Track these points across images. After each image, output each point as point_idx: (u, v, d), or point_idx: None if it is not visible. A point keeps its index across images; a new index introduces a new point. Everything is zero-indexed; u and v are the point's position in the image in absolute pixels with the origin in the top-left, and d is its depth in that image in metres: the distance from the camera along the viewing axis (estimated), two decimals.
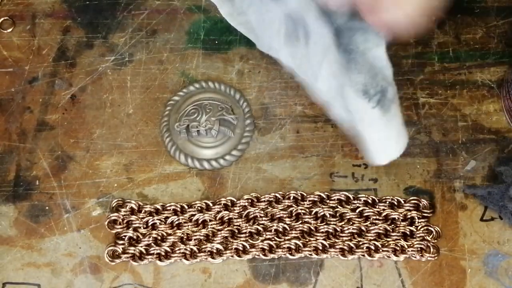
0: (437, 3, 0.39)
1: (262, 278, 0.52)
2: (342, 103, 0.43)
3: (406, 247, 0.52)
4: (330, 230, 0.53)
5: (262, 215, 0.54)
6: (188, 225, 0.54)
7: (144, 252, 0.53)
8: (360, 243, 0.53)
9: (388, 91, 0.41)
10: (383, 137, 0.44)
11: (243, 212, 0.54)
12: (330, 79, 0.42)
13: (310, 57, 0.42)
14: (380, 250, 0.52)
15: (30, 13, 0.61)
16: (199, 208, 0.54)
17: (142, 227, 0.54)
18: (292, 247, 0.53)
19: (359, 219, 0.53)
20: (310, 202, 0.54)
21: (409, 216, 0.53)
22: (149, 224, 0.54)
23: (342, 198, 0.54)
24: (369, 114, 0.42)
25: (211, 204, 0.54)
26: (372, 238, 0.53)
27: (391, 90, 0.41)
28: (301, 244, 0.53)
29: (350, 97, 0.42)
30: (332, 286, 0.52)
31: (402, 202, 0.54)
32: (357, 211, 0.54)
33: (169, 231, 0.54)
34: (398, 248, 0.53)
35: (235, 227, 0.54)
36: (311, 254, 0.53)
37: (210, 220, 0.54)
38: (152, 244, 0.53)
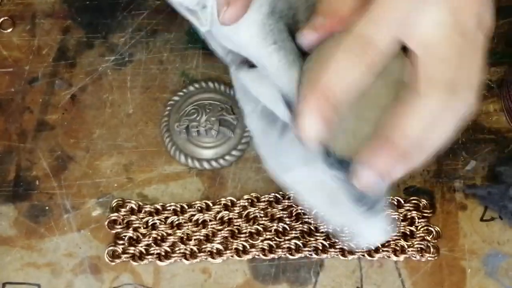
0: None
1: (262, 278, 0.52)
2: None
3: (406, 247, 0.52)
4: (330, 230, 0.53)
5: (262, 215, 0.54)
6: (188, 225, 0.54)
7: (144, 252, 0.53)
8: None
9: (379, 203, 0.41)
10: (365, 230, 0.44)
11: (243, 212, 0.54)
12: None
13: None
14: (380, 250, 0.52)
15: (30, 13, 0.61)
16: (199, 208, 0.54)
17: (142, 227, 0.54)
18: (292, 247, 0.53)
19: None
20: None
21: (409, 216, 0.53)
22: (149, 224, 0.54)
23: None
24: (356, 215, 0.42)
25: (211, 204, 0.54)
26: None
27: (382, 202, 0.41)
28: (301, 244, 0.53)
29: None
30: (332, 286, 0.52)
31: (402, 202, 0.54)
32: None
33: (169, 231, 0.54)
34: (398, 248, 0.53)
35: (235, 227, 0.54)
36: (311, 254, 0.53)
37: (210, 220, 0.54)
38: (152, 244, 0.53)
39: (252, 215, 0.54)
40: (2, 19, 0.61)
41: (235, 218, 0.54)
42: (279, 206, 0.54)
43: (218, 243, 0.53)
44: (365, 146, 0.34)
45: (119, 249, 0.53)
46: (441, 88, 0.33)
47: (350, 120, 0.35)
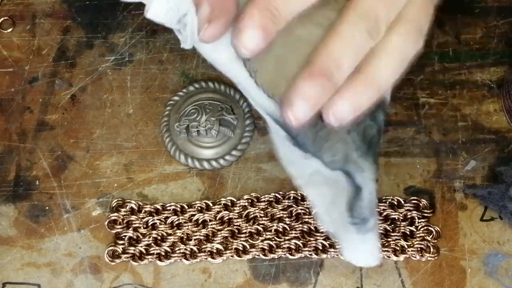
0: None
1: (262, 278, 0.52)
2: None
3: (406, 247, 0.52)
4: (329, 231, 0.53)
5: (262, 215, 0.54)
6: (188, 225, 0.54)
7: (144, 252, 0.53)
8: None
9: (369, 221, 0.41)
10: (354, 247, 0.45)
11: (243, 212, 0.54)
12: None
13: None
14: (380, 250, 0.52)
15: (30, 13, 0.61)
16: (199, 208, 0.54)
17: (142, 227, 0.54)
18: (292, 247, 0.53)
19: None
20: (309, 201, 0.54)
21: (409, 216, 0.53)
22: (149, 224, 0.54)
23: None
24: (347, 226, 0.42)
25: (211, 204, 0.54)
26: None
27: (372, 221, 0.42)
28: (301, 244, 0.53)
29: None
30: (332, 286, 0.52)
31: (402, 202, 0.54)
32: None
33: (169, 231, 0.54)
34: (398, 248, 0.53)
35: (235, 227, 0.54)
36: (311, 254, 0.53)
37: (210, 220, 0.54)
38: (152, 244, 0.53)
39: (252, 215, 0.54)
40: (2, 19, 0.61)
41: (235, 218, 0.54)
42: (279, 206, 0.54)
43: (218, 243, 0.53)
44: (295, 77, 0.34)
45: (119, 249, 0.53)
46: (368, 19, 0.34)
47: (280, 52, 0.35)
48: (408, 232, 0.53)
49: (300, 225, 0.54)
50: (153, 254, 0.53)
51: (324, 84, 0.34)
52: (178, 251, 0.53)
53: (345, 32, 0.34)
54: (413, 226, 0.53)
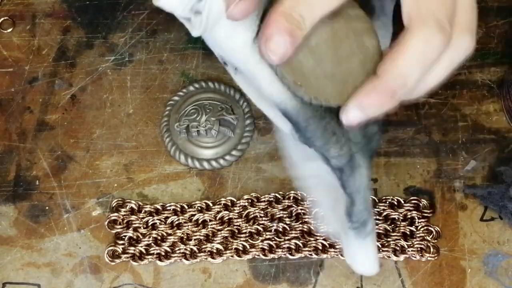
0: None
1: (262, 278, 0.52)
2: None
3: (406, 247, 0.52)
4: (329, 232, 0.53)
5: (262, 215, 0.54)
6: (188, 225, 0.54)
7: (144, 252, 0.53)
8: None
9: (368, 224, 0.41)
10: (354, 252, 0.45)
11: (243, 212, 0.54)
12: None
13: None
14: (380, 250, 0.52)
15: (30, 13, 0.61)
16: (199, 208, 0.54)
17: (142, 227, 0.54)
18: (292, 247, 0.53)
19: None
20: (310, 202, 0.54)
21: (409, 216, 0.53)
22: (149, 224, 0.54)
23: None
24: (346, 231, 0.42)
25: (211, 204, 0.54)
26: None
27: (371, 224, 0.42)
28: (301, 244, 0.53)
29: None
30: (332, 286, 0.52)
31: (402, 202, 0.54)
32: None
33: (169, 231, 0.54)
34: (398, 248, 0.53)
35: (235, 227, 0.54)
36: (311, 254, 0.53)
37: (210, 220, 0.54)
38: (152, 244, 0.53)
39: (252, 215, 0.54)
40: (2, 19, 0.61)
41: (235, 218, 0.54)
42: (279, 206, 0.54)
43: (218, 243, 0.53)
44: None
45: (119, 249, 0.53)
46: (430, 25, 0.33)
47: (311, 53, 0.35)
48: (408, 232, 0.53)
49: (300, 225, 0.54)
50: (153, 254, 0.53)
51: (388, 101, 0.34)
52: (178, 251, 0.53)
53: (416, 47, 0.33)
54: (413, 226, 0.53)
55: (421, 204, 0.54)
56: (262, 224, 0.54)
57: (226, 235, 0.54)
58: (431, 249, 0.52)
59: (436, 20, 0.33)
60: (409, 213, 0.53)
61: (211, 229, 0.54)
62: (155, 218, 0.54)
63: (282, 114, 0.38)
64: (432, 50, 0.33)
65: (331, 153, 0.38)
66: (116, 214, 0.54)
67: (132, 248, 0.53)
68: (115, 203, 0.54)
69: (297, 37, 0.33)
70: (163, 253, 0.53)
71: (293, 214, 0.54)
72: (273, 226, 0.53)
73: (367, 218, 0.41)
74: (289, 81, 0.36)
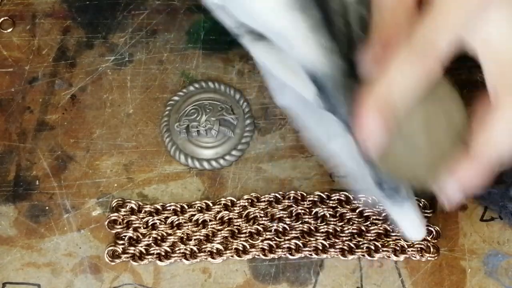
0: None
1: (262, 278, 0.52)
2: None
3: (406, 247, 0.52)
4: (330, 230, 0.53)
5: (262, 215, 0.54)
6: (188, 225, 0.54)
7: (144, 252, 0.53)
8: (360, 243, 0.53)
9: (400, 190, 0.41)
10: (397, 220, 0.45)
11: (243, 212, 0.54)
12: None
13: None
14: (380, 250, 0.52)
15: (30, 13, 0.61)
16: (199, 208, 0.54)
17: (142, 227, 0.54)
18: (292, 247, 0.53)
19: (359, 219, 0.53)
20: (310, 202, 0.54)
21: None
22: (149, 224, 0.54)
23: (342, 198, 0.54)
24: (383, 200, 0.43)
25: (211, 204, 0.54)
26: (372, 238, 0.53)
27: (403, 190, 0.42)
28: (301, 244, 0.53)
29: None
30: (332, 286, 0.52)
31: None
32: (357, 211, 0.54)
33: (169, 231, 0.54)
34: (398, 248, 0.53)
35: (235, 227, 0.54)
36: (311, 254, 0.53)
37: (210, 220, 0.54)
38: (152, 244, 0.53)
39: (252, 215, 0.54)
40: (2, 19, 0.61)
41: (235, 218, 0.54)
42: (279, 206, 0.54)
43: (218, 243, 0.53)
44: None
45: (119, 249, 0.53)
46: None
47: (406, 136, 0.35)
48: None
49: (300, 225, 0.54)
50: (153, 254, 0.53)
51: (483, 172, 0.34)
52: (178, 251, 0.53)
53: (505, 115, 0.34)
54: None
55: (421, 204, 0.53)
56: (262, 224, 0.54)
57: (226, 235, 0.54)
58: (431, 249, 0.52)
59: None
60: None
61: (211, 229, 0.54)
62: (155, 218, 0.54)
63: (310, 78, 0.37)
64: None
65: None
66: (116, 214, 0.54)
67: (132, 248, 0.53)
68: (115, 203, 0.54)
69: (392, 124, 0.33)
70: (163, 253, 0.53)
71: (293, 214, 0.54)
72: (273, 226, 0.53)
73: (397, 184, 0.41)
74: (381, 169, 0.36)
